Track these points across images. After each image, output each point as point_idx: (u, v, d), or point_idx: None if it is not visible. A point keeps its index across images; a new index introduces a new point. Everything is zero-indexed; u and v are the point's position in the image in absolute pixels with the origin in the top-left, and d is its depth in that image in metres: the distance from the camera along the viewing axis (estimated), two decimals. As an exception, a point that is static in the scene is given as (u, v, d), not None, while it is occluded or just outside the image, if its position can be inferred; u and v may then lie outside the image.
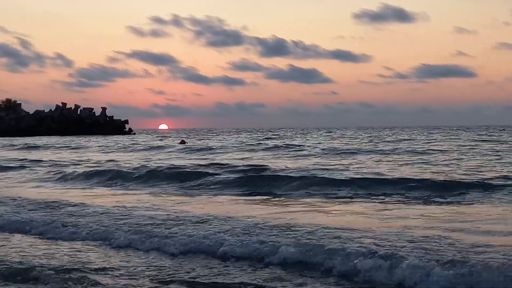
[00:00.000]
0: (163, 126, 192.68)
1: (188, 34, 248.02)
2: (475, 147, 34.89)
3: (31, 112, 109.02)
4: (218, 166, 22.95)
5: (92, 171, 22.39)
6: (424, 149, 34.21)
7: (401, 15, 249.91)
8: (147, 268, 7.63)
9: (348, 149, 35.23)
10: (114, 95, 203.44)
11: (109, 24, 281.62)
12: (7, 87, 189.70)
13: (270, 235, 8.91)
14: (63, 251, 8.67)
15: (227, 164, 23.79)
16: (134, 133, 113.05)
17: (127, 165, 24.90)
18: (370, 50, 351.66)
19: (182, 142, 57.85)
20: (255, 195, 15.57)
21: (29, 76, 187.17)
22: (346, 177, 17.88)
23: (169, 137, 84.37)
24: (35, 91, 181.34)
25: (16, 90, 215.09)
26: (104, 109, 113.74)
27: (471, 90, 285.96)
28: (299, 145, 40.92)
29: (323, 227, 9.37)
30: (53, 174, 22.39)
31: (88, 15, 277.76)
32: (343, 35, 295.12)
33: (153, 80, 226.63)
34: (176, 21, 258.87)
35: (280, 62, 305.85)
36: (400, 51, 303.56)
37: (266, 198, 14.84)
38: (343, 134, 78.43)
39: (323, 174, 18.82)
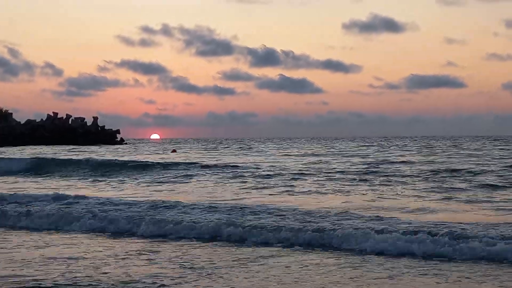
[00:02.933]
0: (155, 136, 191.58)
1: (178, 43, 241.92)
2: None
3: (22, 122, 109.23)
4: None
5: None
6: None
7: (391, 25, 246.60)
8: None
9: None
10: (105, 104, 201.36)
11: (98, 33, 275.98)
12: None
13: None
14: None
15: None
16: (126, 143, 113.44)
17: None
18: (360, 60, 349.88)
19: (174, 151, 59.28)
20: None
21: (19, 85, 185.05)
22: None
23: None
24: (25, 100, 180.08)
25: (5, 99, 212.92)
26: (95, 118, 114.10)
27: (461, 101, 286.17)
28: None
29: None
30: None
31: (77, 23, 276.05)
32: (333, 45, 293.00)
33: (144, 90, 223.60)
34: (166, 31, 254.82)
35: (271, 72, 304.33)
36: (390, 61, 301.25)
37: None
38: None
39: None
